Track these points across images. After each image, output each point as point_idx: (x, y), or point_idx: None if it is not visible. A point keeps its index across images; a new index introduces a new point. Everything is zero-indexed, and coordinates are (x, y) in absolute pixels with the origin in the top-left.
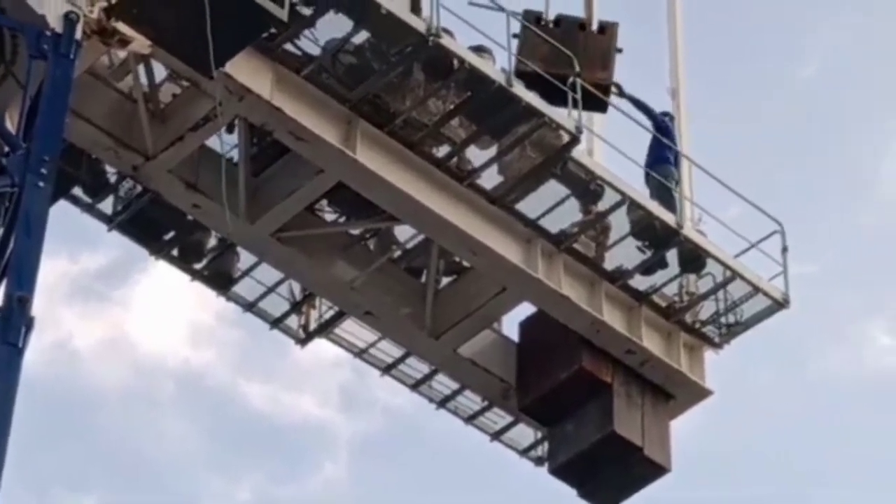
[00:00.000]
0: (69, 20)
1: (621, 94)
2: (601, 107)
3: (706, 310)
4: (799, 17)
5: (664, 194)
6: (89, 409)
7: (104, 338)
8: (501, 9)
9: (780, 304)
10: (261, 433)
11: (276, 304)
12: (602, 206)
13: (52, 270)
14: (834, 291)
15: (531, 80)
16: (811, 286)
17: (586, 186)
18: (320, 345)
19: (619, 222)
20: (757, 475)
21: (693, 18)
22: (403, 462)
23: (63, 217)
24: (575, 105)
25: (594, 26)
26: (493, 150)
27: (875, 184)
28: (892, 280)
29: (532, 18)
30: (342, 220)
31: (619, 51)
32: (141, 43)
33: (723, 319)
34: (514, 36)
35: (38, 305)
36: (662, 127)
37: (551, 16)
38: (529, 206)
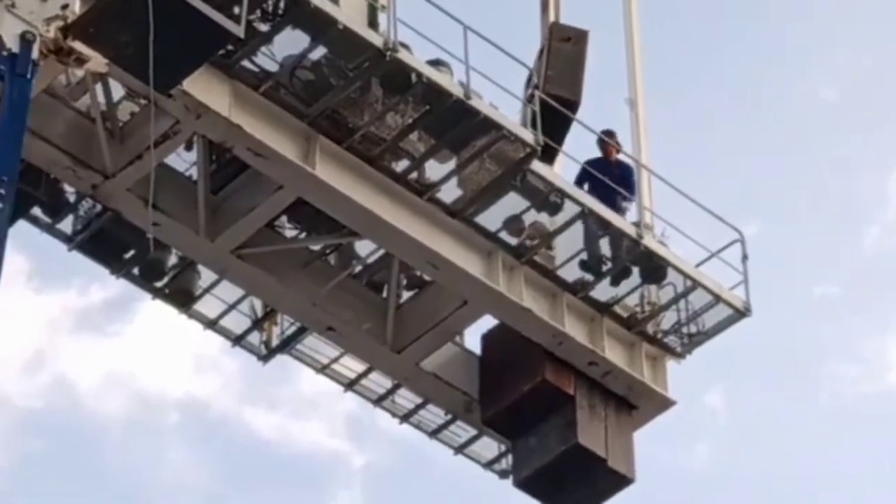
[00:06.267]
0: (26, 40)
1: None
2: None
3: (668, 320)
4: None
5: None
6: (92, 442)
7: (106, 370)
8: (459, 21)
9: (741, 313)
10: (269, 462)
11: (237, 322)
12: (562, 217)
13: (56, 304)
14: (847, 311)
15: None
16: (831, 306)
17: (546, 198)
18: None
19: (573, 233)
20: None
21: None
22: (419, 493)
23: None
24: (535, 118)
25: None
26: (452, 164)
27: (881, 203)
28: None
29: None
30: (302, 236)
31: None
32: (98, 62)
33: (684, 329)
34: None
35: (40, 339)
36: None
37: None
38: (489, 218)
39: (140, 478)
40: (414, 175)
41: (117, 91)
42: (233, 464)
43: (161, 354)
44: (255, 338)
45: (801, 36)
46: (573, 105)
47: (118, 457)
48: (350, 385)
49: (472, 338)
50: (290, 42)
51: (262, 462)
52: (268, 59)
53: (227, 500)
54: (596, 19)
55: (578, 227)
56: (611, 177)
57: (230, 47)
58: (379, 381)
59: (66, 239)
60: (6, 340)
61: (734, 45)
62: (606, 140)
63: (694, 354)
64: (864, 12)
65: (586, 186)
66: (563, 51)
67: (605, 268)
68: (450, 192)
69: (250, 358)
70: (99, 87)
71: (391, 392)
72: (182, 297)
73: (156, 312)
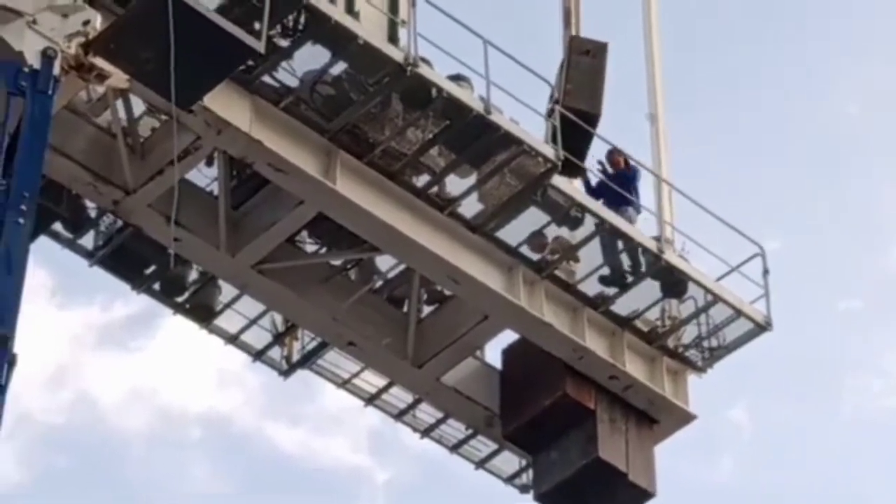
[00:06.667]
0: (47, 56)
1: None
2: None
3: (689, 334)
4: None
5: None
6: (115, 457)
7: (129, 385)
8: (480, 36)
9: (762, 327)
10: (291, 477)
11: (258, 337)
12: (582, 232)
13: (79, 320)
14: (871, 325)
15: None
16: (854, 320)
17: (566, 213)
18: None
19: (592, 247)
20: None
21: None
22: None
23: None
24: (555, 133)
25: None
26: (472, 179)
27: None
28: None
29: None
30: (323, 251)
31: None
32: (119, 78)
33: (705, 343)
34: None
35: (63, 355)
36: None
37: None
38: (510, 233)
39: (162, 493)
40: (434, 190)
41: (138, 107)
42: (255, 479)
43: (184, 370)
44: (276, 353)
45: (824, 50)
46: (593, 118)
47: (141, 472)
48: (371, 400)
49: (493, 352)
50: (311, 57)
51: (284, 477)
52: (288, 74)
53: None
54: (617, 33)
55: (599, 242)
56: (618, 183)
57: (251, 63)
58: (400, 396)
59: (87, 254)
60: (29, 356)
61: (757, 60)
62: (613, 149)
63: (718, 369)
64: (889, 27)
65: (602, 201)
66: (583, 64)
67: (628, 280)
68: (470, 207)
69: (273, 373)
70: (120, 103)
71: (412, 407)
72: (203, 312)
73: (178, 328)
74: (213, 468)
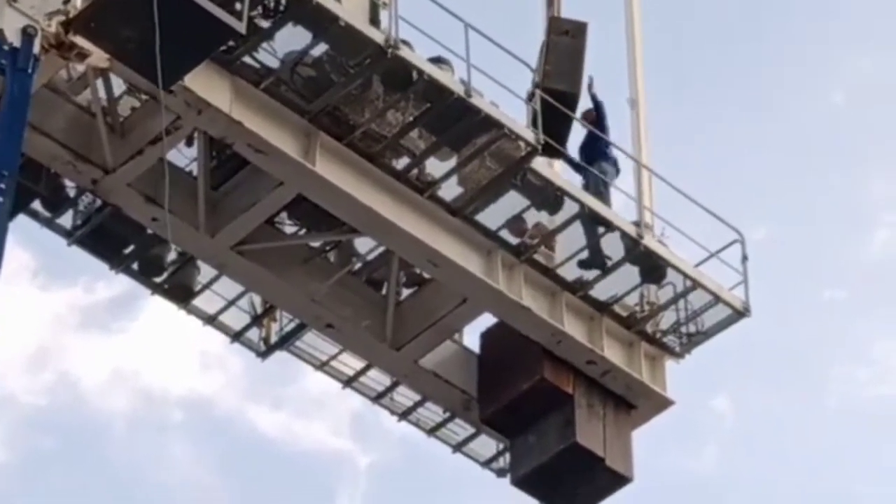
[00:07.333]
0: (27, 35)
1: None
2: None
3: (667, 319)
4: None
5: (604, 191)
6: (97, 439)
7: (111, 367)
8: (461, 19)
9: (740, 313)
10: (273, 461)
11: (236, 318)
12: (562, 216)
13: (61, 301)
14: (857, 314)
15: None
16: (840, 309)
17: (546, 197)
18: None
19: (571, 231)
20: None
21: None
22: (425, 492)
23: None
24: (536, 116)
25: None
26: (452, 162)
27: (890, 207)
28: None
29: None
30: (302, 232)
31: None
32: (99, 57)
33: (683, 329)
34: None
35: (45, 336)
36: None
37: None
38: (490, 216)
39: (144, 475)
40: (414, 172)
41: (118, 86)
42: (237, 462)
43: (166, 352)
44: (254, 334)
45: (809, 39)
46: (572, 98)
47: (122, 454)
48: (349, 382)
49: (471, 336)
50: (292, 38)
51: (266, 460)
52: (269, 55)
53: (231, 498)
54: (600, 16)
55: (578, 226)
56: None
57: (231, 43)
58: (378, 379)
59: (66, 234)
60: (11, 338)
61: (742, 47)
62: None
63: (702, 357)
64: (874, 15)
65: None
66: (561, 44)
67: (608, 264)
68: (450, 190)
69: (254, 356)
70: (100, 82)
71: (390, 389)
72: (181, 292)
73: (161, 310)
74: (194, 450)
